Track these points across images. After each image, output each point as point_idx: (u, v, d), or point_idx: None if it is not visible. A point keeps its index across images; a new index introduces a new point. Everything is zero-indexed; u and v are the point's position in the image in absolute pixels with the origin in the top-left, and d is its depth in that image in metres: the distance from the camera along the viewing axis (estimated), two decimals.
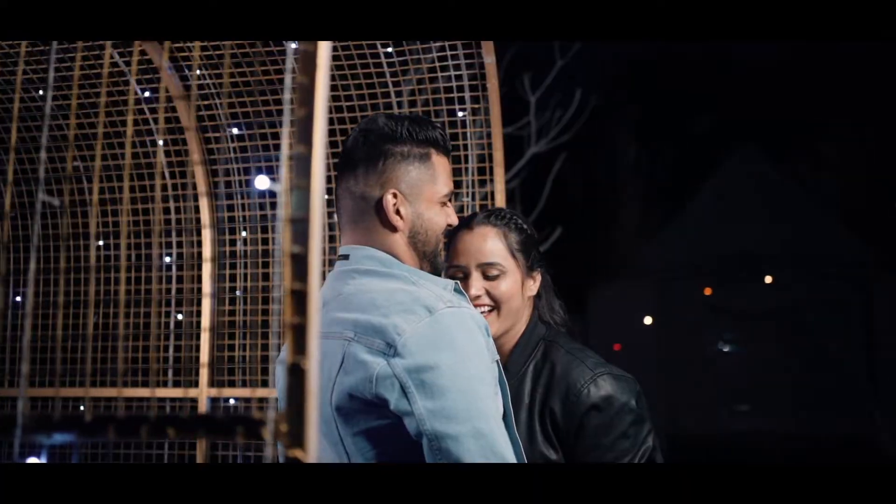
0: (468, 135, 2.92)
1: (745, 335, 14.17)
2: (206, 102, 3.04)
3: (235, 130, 3.08)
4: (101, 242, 3.29)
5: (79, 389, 3.19)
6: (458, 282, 1.69)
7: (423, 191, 1.62)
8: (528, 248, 1.95)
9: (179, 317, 3.28)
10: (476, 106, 2.86)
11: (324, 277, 3.07)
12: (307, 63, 0.88)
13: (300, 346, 0.85)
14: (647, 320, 14.22)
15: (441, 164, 1.66)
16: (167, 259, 3.26)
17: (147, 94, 2.97)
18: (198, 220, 3.22)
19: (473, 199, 2.99)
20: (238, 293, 3.23)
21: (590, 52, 9.19)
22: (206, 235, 3.20)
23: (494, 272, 1.88)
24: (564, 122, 8.47)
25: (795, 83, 16.10)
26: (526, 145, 8.44)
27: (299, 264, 0.86)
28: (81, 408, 3.28)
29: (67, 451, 3.07)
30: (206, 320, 3.20)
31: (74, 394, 3.23)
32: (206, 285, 3.20)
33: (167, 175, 3.21)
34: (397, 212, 1.60)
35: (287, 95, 0.89)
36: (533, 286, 1.97)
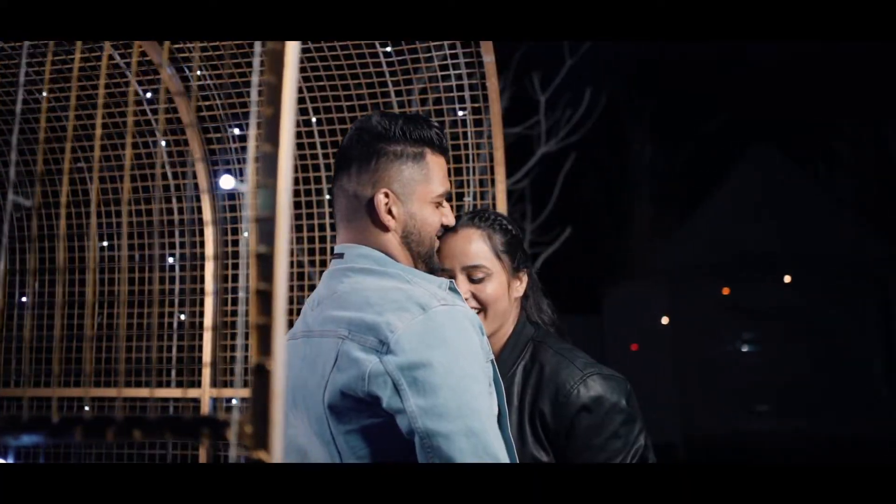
0: (469, 134, 2.91)
1: (762, 335, 14.09)
2: (207, 103, 3.05)
3: (237, 131, 3.08)
4: (105, 243, 3.30)
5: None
6: (454, 280, 1.67)
7: (416, 190, 1.61)
8: (513, 249, 1.93)
9: (182, 317, 3.29)
10: (476, 105, 2.85)
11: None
12: (274, 62, 0.88)
13: (265, 346, 0.84)
14: (664, 320, 14.16)
15: (436, 163, 1.65)
16: (170, 259, 3.27)
17: (149, 94, 2.98)
18: (200, 220, 3.23)
19: (475, 199, 2.98)
20: (241, 294, 3.22)
21: (600, 50, 9.14)
22: (209, 234, 3.21)
23: (480, 274, 1.86)
24: (574, 122, 8.43)
25: (811, 81, 15.97)
26: (536, 145, 8.42)
27: (265, 264, 0.85)
28: (89, 408, 3.30)
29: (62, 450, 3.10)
30: (208, 319, 3.21)
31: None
32: (209, 283, 3.21)
33: (169, 175, 3.22)
34: (389, 211, 1.60)
35: (254, 95, 0.88)
36: (520, 287, 1.95)
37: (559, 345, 1.89)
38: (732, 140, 15.84)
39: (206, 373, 3.18)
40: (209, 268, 3.21)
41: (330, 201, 3.03)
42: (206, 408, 3.15)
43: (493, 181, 2.93)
